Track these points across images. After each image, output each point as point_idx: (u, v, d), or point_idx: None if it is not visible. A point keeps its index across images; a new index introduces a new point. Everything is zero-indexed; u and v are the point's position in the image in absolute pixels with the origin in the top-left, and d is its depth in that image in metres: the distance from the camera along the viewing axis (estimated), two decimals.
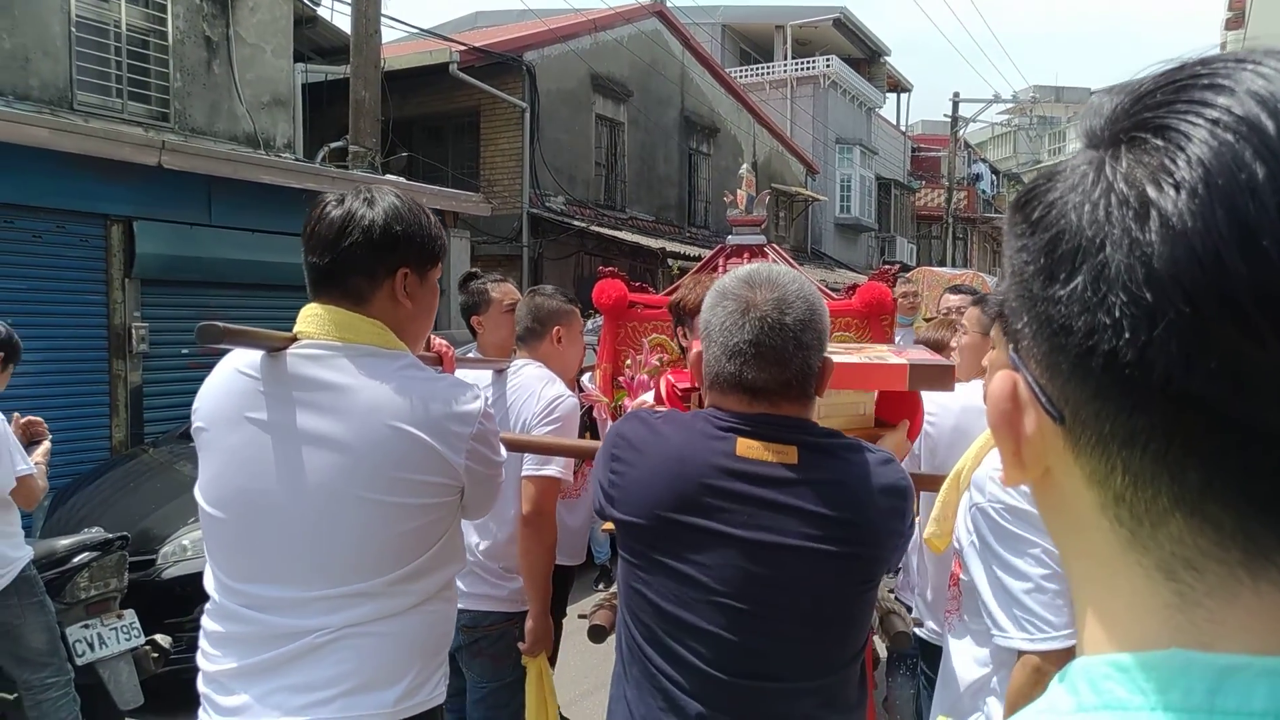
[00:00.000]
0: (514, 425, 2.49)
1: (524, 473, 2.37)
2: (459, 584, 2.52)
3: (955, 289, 3.96)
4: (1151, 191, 0.38)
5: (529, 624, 2.39)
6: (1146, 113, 0.41)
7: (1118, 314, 0.38)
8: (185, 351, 7.33)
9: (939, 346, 3.24)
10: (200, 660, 1.50)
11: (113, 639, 3.67)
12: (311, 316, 1.51)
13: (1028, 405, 0.45)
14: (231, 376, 1.51)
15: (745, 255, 4.13)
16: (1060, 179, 0.44)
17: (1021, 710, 0.44)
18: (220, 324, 1.41)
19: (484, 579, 2.48)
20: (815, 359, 1.38)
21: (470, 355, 2.97)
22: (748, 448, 1.35)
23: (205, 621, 1.51)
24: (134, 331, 7.02)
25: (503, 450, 1.64)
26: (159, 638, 3.93)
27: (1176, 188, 0.37)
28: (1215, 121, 0.38)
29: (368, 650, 1.43)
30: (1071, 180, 0.43)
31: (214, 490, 1.49)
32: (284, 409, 1.45)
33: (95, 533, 3.83)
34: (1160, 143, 0.39)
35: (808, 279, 1.40)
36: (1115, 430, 0.40)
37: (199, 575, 4.06)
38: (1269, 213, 0.35)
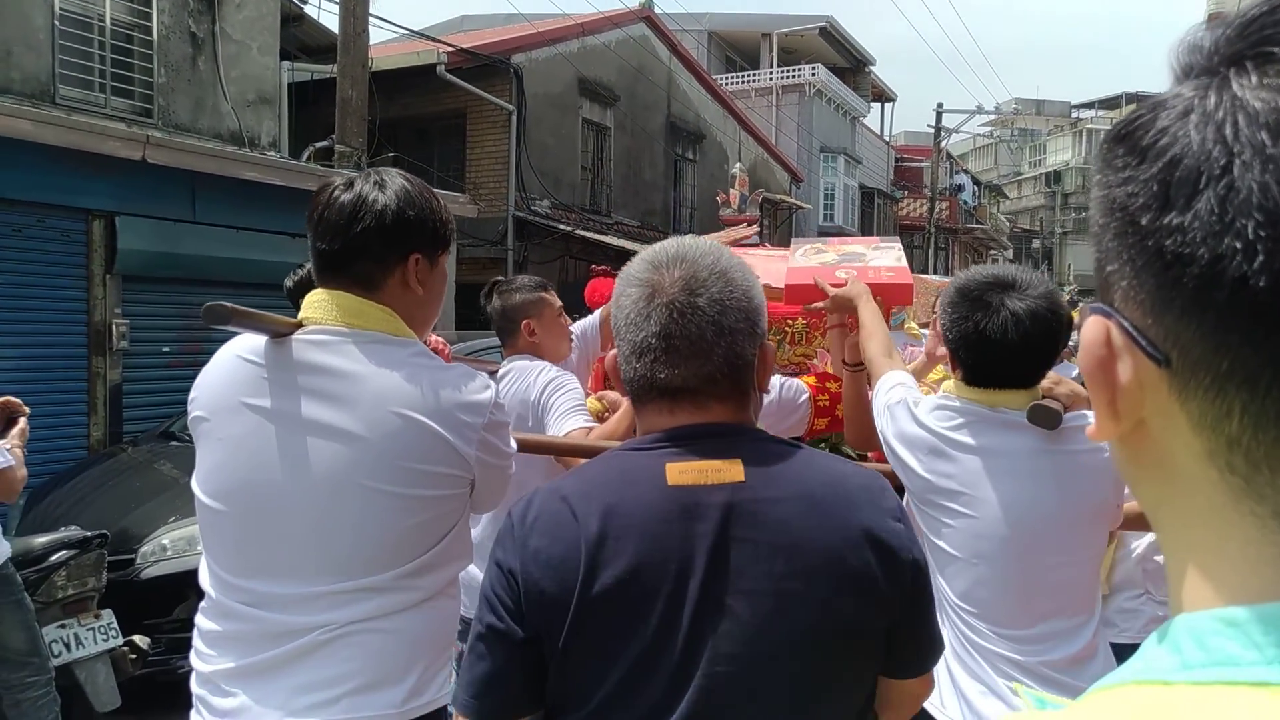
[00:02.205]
0: (517, 421, 2.44)
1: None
2: None
3: None
4: None
5: None
6: (1269, 29, 0.39)
7: (1250, 236, 0.36)
8: (166, 349, 7.24)
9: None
10: (194, 660, 1.45)
11: (90, 639, 3.60)
12: (318, 302, 1.47)
13: (1123, 352, 0.43)
14: (233, 363, 1.46)
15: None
16: (1165, 108, 0.41)
17: (1114, 672, 0.42)
18: (228, 304, 1.37)
19: None
20: (746, 345, 1.12)
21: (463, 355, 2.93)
22: (680, 473, 1.07)
23: (200, 620, 1.46)
24: (114, 328, 6.92)
25: (513, 442, 1.60)
26: (137, 639, 3.87)
27: None
28: None
29: (374, 647, 1.38)
30: (1183, 105, 0.40)
31: (214, 481, 1.43)
32: (289, 396, 1.40)
33: (73, 531, 3.76)
34: None
35: (734, 253, 1.19)
36: (1235, 368, 0.38)
37: (179, 575, 4.08)
38: None
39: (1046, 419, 1.68)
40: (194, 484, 1.47)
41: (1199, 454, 0.41)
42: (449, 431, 1.41)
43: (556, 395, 2.41)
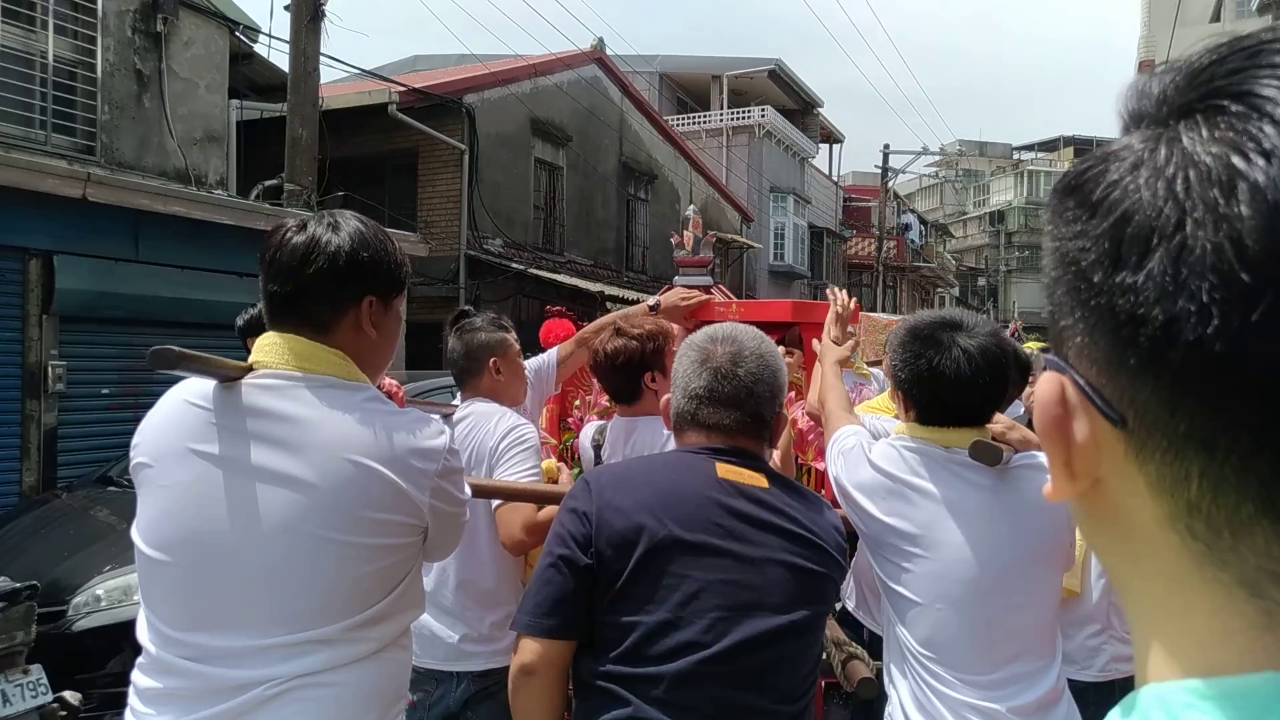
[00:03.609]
0: (473, 467, 2.39)
1: (496, 502, 2.28)
2: (487, 633, 2.41)
3: None
4: (1237, 161, 0.35)
5: None
6: (1220, 80, 0.38)
7: (1205, 299, 0.34)
8: (105, 391, 7.04)
9: None
10: None
11: (18, 696, 3.43)
12: (269, 346, 1.42)
13: (1078, 410, 0.42)
14: (180, 408, 1.41)
15: None
16: (1115, 159, 0.40)
17: None
18: (175, 349, 1.32)
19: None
20: (766, 408, 1.54)
21: (416, 397, 2.87)
22: (726, 470, 1.47)
23: (137, 677, 1.38)
24: (50, 370, 6.72)
25: (467, 489, 1.57)
26: (68, 695, 3.70)
27: (1266, 156, 0.34)
28: None
29: (323, 702, 1.33)
30: (1133, 158, 0.39)
31: (157, 531, 1.37)
32: (238, 442, 1.36)
33: (1, 582, 3.60)
34: (1241, 109, 0.36)
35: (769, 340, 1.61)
36: (1193, 431, 0.36)
37: (112, 627, 3.94)
38: None
39: (988, 455, 1.69)
40: (134, 533, 1.40)
41: (1159, 518, 0.39)
42: (402, 479, 1.37)
43: (515, 450, 2.36)
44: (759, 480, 1.48)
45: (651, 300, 3.19)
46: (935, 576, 1.70)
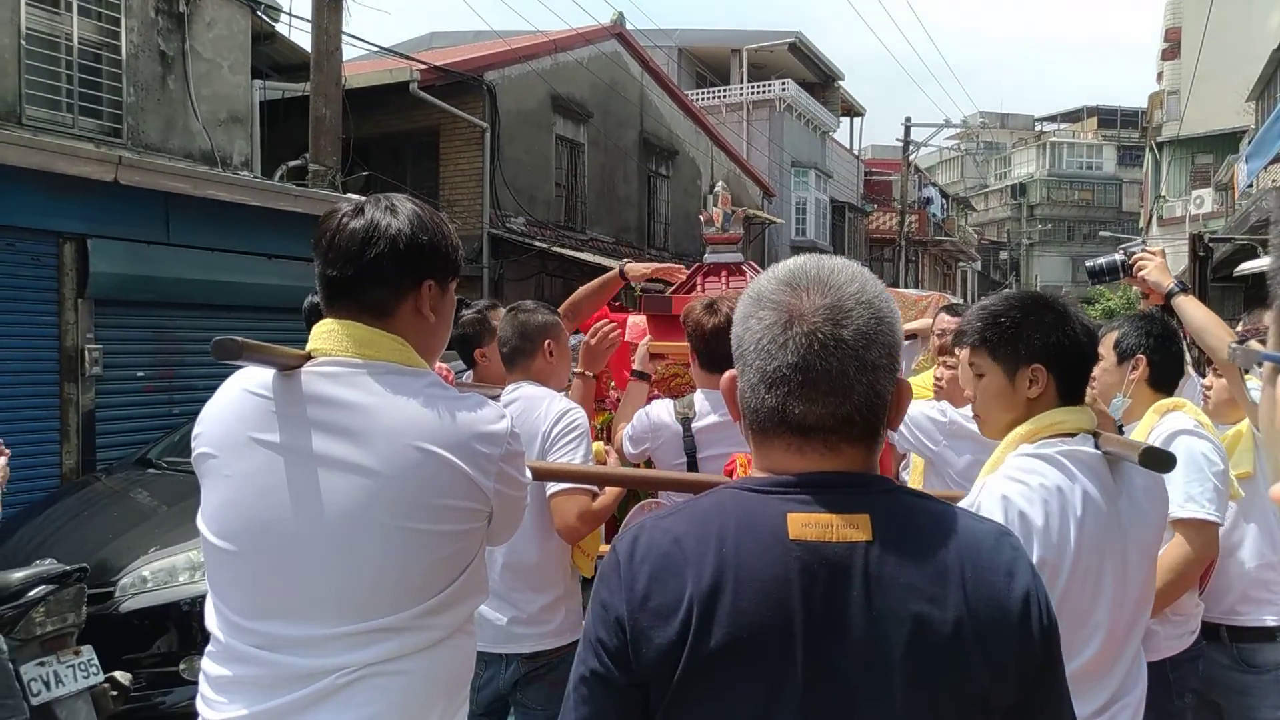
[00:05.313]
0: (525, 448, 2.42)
1: (551, 490, 2.28)
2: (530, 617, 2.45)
3: (951, 309, 3.98)
4: None
5: None
6: None
7: None
8: (141, 374, 7.10)
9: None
10: (202, 708, 1.39)
11: (70, 677, 3.49)
12: (328, 333, 1.42)
13: None
14: (240, 397, 1.41)
15: (723, 274, 4.12)
16: None
17: None
18: (238, 340, 1.32)
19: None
20: (886, 383, 1.02)
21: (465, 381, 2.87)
22: (804, 525, 0.97)
23: (207, 665, 1.40)
24: (87, 353, 6.78)
25: (528, 472, 1.56)
26: (118, 675, 3.76)
27: None
28: None
29: (393, 690, 1.33)
30: None
31: (223, 520, 1.38)
32: (301, 431, 1.36)
33: (50, 565, 3.65)
34: None
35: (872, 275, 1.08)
36: None
37: (160, 608, 3.99)
38: None
39: (1162, 462, 1.55)
40: (200, 523, 1.42)
41: None
42: (467, 464, 1.37)
43: (568, 436, 2.38)
44: (858, 530, 0.97)
45: (620, 265, 3.36)
46: (1092, 592, 1.55)
